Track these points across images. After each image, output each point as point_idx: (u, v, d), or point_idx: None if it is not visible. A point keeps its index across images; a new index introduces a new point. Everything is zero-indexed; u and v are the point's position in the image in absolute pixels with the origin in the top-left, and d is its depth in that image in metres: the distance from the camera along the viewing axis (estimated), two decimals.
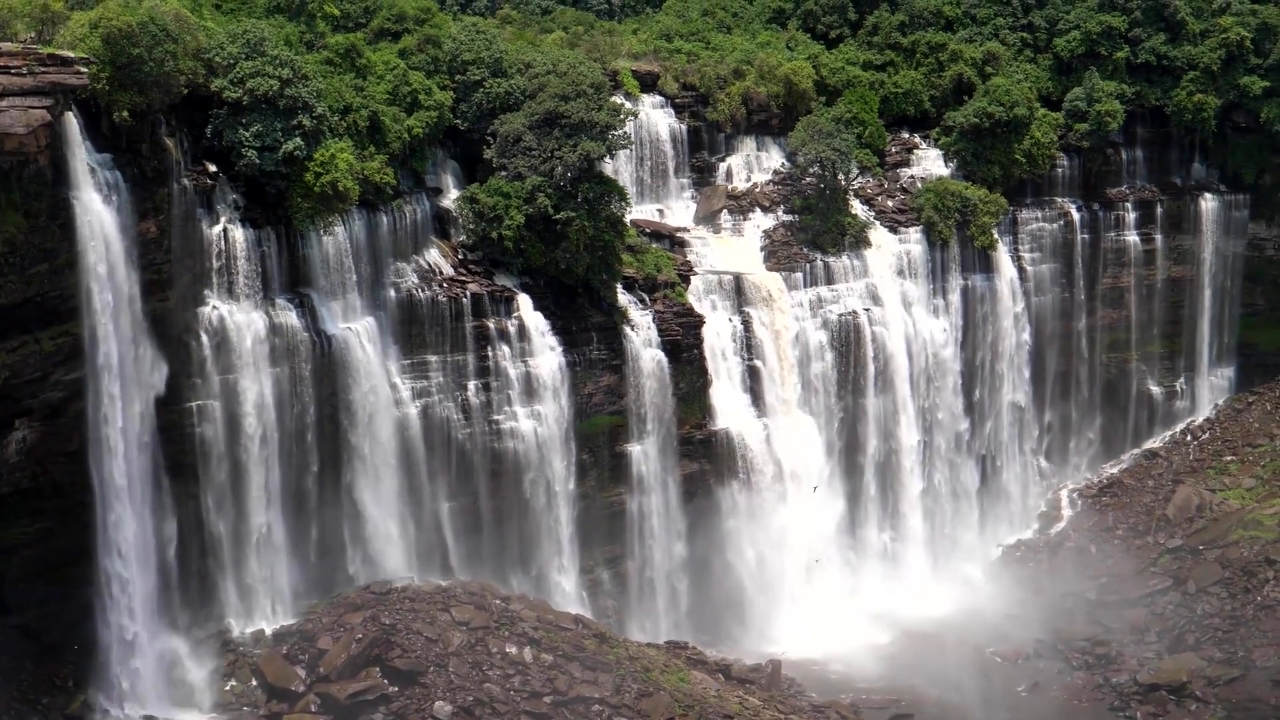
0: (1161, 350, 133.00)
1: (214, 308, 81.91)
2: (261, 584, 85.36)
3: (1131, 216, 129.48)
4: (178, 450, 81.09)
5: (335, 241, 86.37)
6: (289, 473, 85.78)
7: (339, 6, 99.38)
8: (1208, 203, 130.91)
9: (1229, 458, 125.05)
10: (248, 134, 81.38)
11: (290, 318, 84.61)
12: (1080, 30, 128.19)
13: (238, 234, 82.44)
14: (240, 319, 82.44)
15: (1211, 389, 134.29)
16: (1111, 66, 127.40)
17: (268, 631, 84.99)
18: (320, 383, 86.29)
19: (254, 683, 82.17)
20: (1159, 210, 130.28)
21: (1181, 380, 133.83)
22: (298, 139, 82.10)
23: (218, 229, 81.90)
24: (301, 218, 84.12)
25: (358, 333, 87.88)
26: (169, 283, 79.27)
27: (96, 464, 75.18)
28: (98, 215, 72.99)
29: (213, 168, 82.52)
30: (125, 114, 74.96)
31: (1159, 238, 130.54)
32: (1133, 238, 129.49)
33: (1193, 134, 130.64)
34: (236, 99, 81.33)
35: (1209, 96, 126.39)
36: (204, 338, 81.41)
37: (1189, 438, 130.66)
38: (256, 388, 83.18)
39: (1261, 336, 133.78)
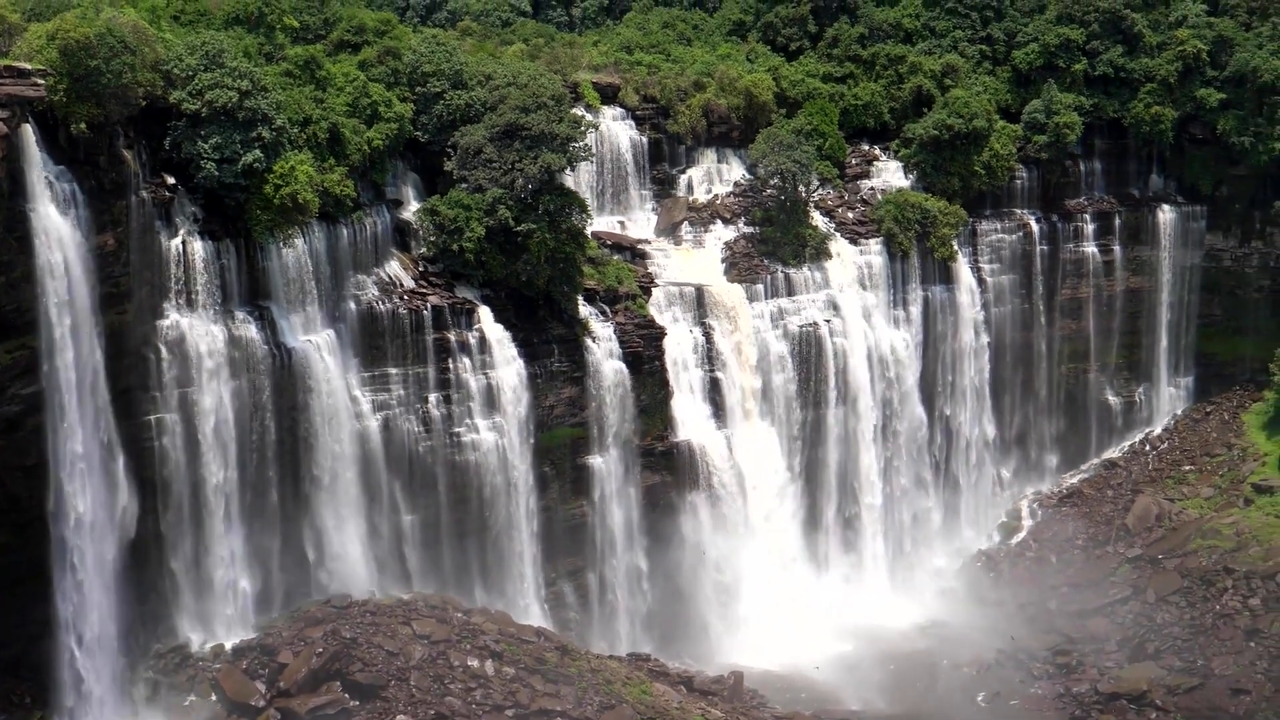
0: (1120, 360, 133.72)
1: (173, 320, 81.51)
2: (221, 598, 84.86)
3: (1090, 228, 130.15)
4: (136, 464, 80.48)
5: (295, 254, 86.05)
6: (248, 486, 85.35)
7: (298, 19, 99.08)
8: (1165, 214, 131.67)
9: (1187, 467, 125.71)
10: (206, 146, 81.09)
11: (250, 330, 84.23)
12: (1038, 43, 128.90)
13: (196, 246, 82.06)
14: (199, 332, 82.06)
15: (1170, 399, 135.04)
16: (1069, 79, 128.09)
17: (227, 646, 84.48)
18: (280, 396, 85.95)
19: (213, 698, 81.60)
20: (1117, 221, 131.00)
21: (1140, 390, 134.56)
22: (257, 151, 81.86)
23: (176, 241, 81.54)
24: (261, 230, 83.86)
25: (318, 345, 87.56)
26: (127, 295, 78.83)
27: (54, 478, 74.53)
28: (55, 228, 72.46)
29: (171, 180, 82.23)
30: (83, 126, 74.47)
31: (1117, 249, 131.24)
32: (1091, 249, 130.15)
33: (1150, 146, 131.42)
34: (195, 111, 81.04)
35: (1166, 108, 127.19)
36: (162, 351, 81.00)
37: (1148, 447, 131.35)
38: (215, 401, 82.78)
39: (1219, 347, 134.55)
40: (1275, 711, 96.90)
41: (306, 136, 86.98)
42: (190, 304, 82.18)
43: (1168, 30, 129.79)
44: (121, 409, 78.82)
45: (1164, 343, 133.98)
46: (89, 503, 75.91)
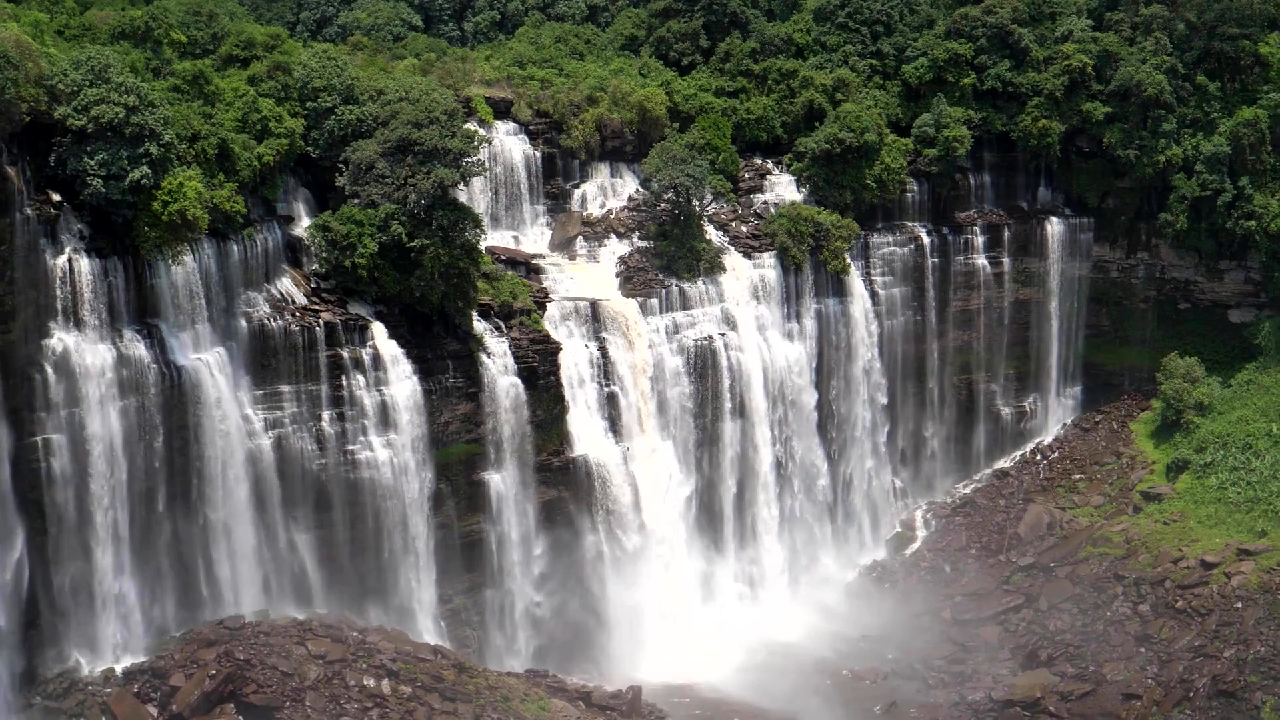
0: (1011, 371, 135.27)
1: (59, 340, 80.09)
2: (110, 621, 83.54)
3: (980, 240, 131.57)
4: (23, 485, 79.15)
5: (184, 271, 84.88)
6: (139, 507, 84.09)
7: (186, 33, 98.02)
8: (1053, 226, 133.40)
9: (1077, 476, 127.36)
10: (93, 162, 79.85)
11: (138, 349, 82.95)
12: (928, 57, 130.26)
13: (83, 264, 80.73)
14: (86, 351, 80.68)
15: (1059, 409, 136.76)
16: (958, 93, 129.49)
17: (118, 669, 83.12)
18: (170, 415, 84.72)
19: None
20: (1006, 234, 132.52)
21: (1030, 400, 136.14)
22: (144, 167, 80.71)
23: (62, 259, 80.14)
24: (149, 247, 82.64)
25: (208, 363, 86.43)
26: (12, 315, 77.47)
27: None
28: None
29: (57, 197, 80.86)
30: None
31: (1007, 261, 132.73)
32: (981, 261, 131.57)
33: (1038, 159, 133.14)
34: (81, 127, 79.80)
35: (1053, 122, 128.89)
36: (49, 370, 79.58)
37: (1038, 457, 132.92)
38: (104, 421, 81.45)
39: (1106, 357, 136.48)
40: (1165, 715, 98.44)
41: (195, 152, 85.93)
42: (77, 323, 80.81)
43: (1054, 45, 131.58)
44: (7, 430, 77.45)
45: (1053, 353, 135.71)
46: None
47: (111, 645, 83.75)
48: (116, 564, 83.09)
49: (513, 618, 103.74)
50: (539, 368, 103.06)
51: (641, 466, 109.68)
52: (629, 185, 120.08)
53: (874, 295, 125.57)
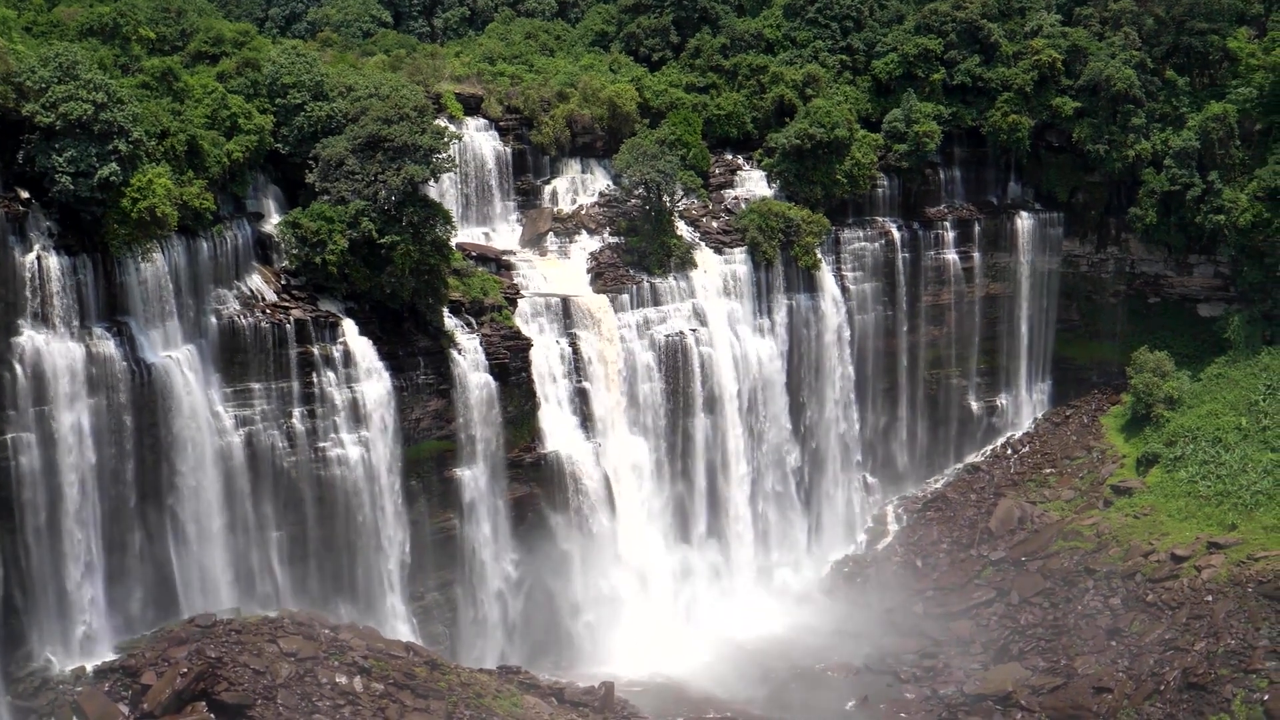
0: (981, 366, 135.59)
1: (28, 337, 79.68)
2: (81, 619, 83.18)
3: (950, 235, 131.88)
4: None
5: (154, 268, 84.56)
6: (109, 505, 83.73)
7: (154, 30, 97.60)
8: (1023, 221, 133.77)
9: (1048, 470, 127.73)
10: (61, 159, 79.47)
11: (108, 347, 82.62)
12: (898, 53, 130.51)
13: (52, 262, 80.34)
14: (56, 349, 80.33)
15: (1030, 403, 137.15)
16: (928, 88, 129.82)
17: (88, 668, 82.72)
18: (140, 413, 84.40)
19: None
20: (977, 229, 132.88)
21: (1001, 395, 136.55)
22: (113, 164, 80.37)
23: (31, 257, 79.73)
24: (118, 244, 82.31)
25: (178, 361, 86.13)
26: None
27: None
28: None
29: (25, 194, 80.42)
30: None
31: (977, 255, 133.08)
32: (952, 256, 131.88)
33: (1008, 154, 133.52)
34: (49, 124, 79.41)
35: (1023, 117, 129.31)
36: (18, 368, 79.19)
37: (1009, 451, 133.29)
38: (73, 419, 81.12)
39: (1076, 351, 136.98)
40: (1136, 708, 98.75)
41: (164, 149, 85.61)
42: (46, 320, 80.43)
43: (1023, 40, 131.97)
44: None
45: (1024, 347, 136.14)
46: None
47: (82, 644, 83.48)
48: (87, 562, 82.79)
49: (484, 614, 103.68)
50: (510, 364, 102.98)
51: (613, 462, 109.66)
52: (600, 181, 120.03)
53: (845, 290, 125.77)
